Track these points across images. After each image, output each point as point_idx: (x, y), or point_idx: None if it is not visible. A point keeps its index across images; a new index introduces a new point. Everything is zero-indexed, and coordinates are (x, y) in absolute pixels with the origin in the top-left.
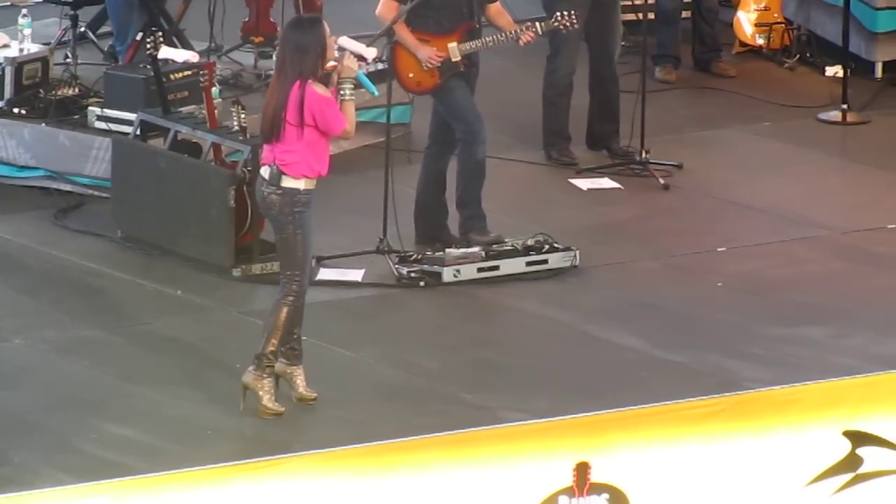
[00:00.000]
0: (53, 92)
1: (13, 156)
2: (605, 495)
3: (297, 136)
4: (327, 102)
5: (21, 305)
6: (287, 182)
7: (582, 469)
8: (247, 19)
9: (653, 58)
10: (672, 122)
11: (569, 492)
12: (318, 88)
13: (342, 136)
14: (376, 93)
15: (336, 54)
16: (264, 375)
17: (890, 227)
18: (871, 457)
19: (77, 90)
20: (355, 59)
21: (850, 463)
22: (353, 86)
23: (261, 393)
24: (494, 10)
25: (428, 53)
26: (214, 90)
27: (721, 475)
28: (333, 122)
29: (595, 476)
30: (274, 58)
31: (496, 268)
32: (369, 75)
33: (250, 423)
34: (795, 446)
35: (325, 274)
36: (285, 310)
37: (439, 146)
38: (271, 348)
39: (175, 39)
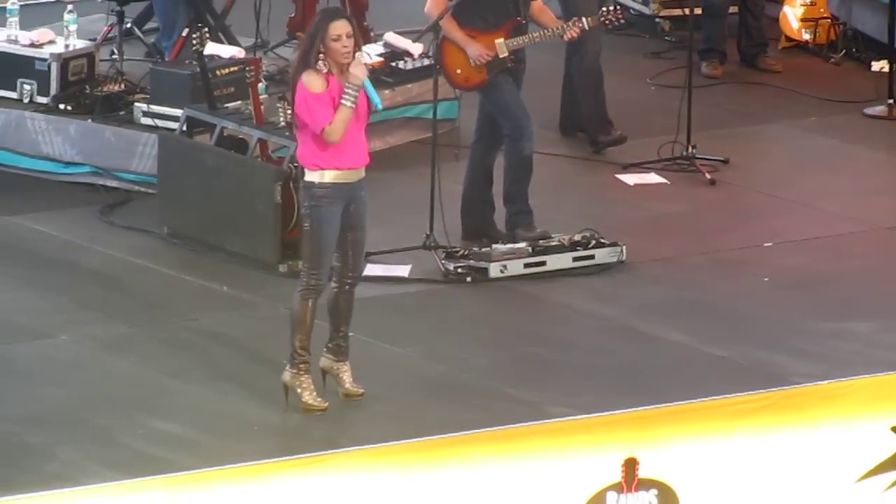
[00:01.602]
0: (99, 88)
1: (59, 152)
2: (654, 491)
3: (303, 129)
4: (311, 97)
5: (67, 302)
6: (307, 176)
7: (630, 465)
8: (293, 15)
9: (699, 53)
10: (718, 118)
11: (617, 488)
12: (307, 79)
13: (323, 136)
14: (379, 105)
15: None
16: (300, 372)
17: None
18: None
19: (123, 86)
20: (364, 66)
21: None
22: (355, 93)
23: (299, 390)
24: (537, 7)
25: (477, 51)
26: (260, 86)
27: (771, 471)
28: (312, 117)
29: (643, 472)
30: None
31: (543, 263)
32: (412, 71)
33: (296, 419)
34: (845, 442)
35: (371, 269)
36: (300, 304)
37: (486, 142)
38: (298, 344)
39: (221, 35)
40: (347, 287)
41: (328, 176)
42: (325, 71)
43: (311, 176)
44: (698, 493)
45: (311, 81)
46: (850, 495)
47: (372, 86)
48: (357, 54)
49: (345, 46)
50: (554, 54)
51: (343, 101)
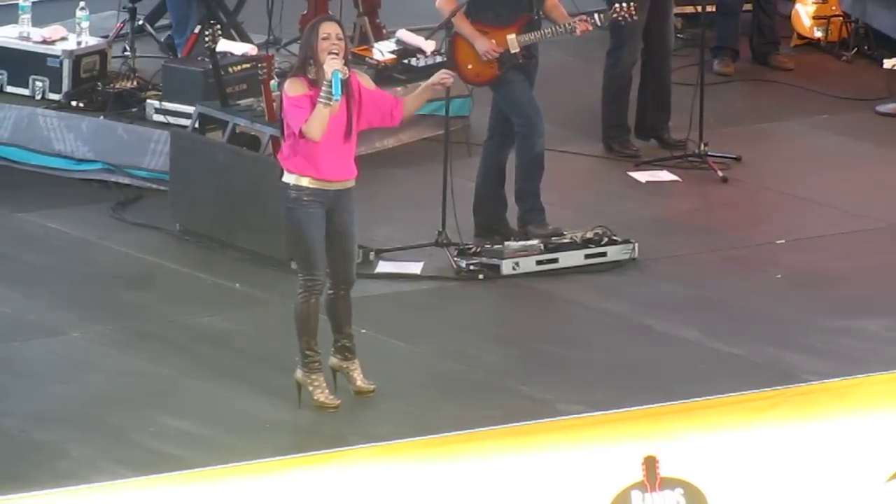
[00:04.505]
0: (112, 85)
1: (71, 149)
2: (679, 490)
3: (287, 133)
4: (289, 100)
5: (79, 299)
6: (283, 177)
7: (650, 463)
8: (305, 12)
9: (711, 50)
10: (730, 115)
11: (640, 487)
12: (288, 85)
13: (303, 136)
14: (337, 97)
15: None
16: (311, 371)
17: None
18: None
19: (135, 83)
20: (338, 62)
21: None
22: (328, 89)
23: (311, 388)
24: (550, 3)
25: (486, 46)
26: (273, 83)
27: (796, 471)
28: (289, 119)
29: (665, 471)
30: None
31: (555, 260)
32: (425, 68)
33: (308, 416)
34: (865, 441)
35: (383, 267)
36: (301, 306)
37: (498, 139)
38: (305, 345)
39: (233, 32)
40: (343, 293)
41: (304, 181)
42: (312, 77)
43: (288, 178)
44: (725, 493)
45: (290, 85)
46: (880, 494)
47: (338, 78)
48: (340, 62)
49: (334, 44)
50: (569, 52)
51: (319, 100)
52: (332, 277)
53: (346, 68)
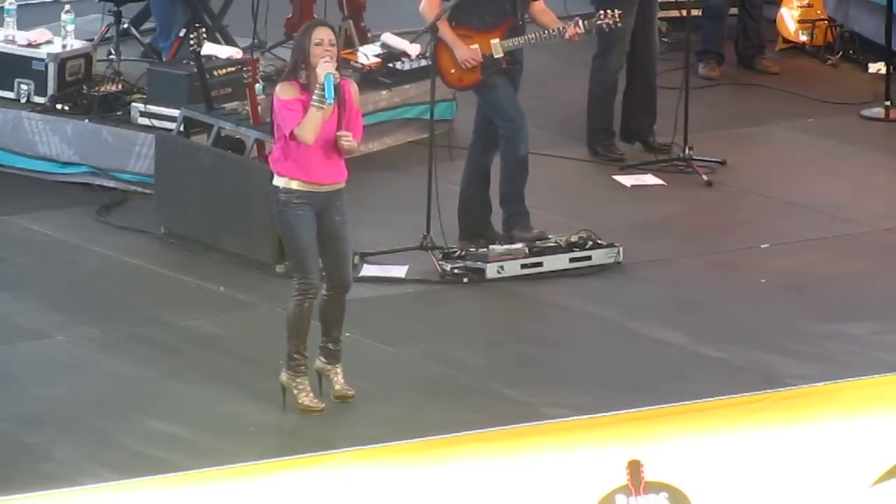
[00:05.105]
0: (97, 88)
1: (56, 152)
2: (664, 494)
3: (277, 137)
4: (281, 104)
5: (64, 302)
6: (273, 180)
7: (634, 467)
8: (290, 16)
9: (697, 54)
10: (715, 119)
11: (625, 490)
12: (280, 88)
13: (295, 139)
14: (330, 100)
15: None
16: (297, 374)
17: None
18: None
19: (120, 86)
20: (331, 65)
21: None
22: (321, 92)
23: (296, 392)
24: (538, 7)
25: (465, 54)
26: (258, 86)
27: (779, 475)
28: (281, 122)
29: (649, 474)
30: None
31: (540, 264)
32: (410, 72)
33: (293, 420)
34: (849, 445)
35: (368, 270)
36: (294, 309)
37: (483, 142)
38: (293, 348)
39: (218, 36)
40: (337, 296)
41: (293, 184)
42: (303, 81)
43: (277, 181)
44: (709, 497)
45: (282, 89)
46: (866, 499)
47: (331, 81)
48: (330, 63)
49: (327, 50)
50: (554, 56)
51: (312, 103)
52: (328, 280)
53: (338, 72)
